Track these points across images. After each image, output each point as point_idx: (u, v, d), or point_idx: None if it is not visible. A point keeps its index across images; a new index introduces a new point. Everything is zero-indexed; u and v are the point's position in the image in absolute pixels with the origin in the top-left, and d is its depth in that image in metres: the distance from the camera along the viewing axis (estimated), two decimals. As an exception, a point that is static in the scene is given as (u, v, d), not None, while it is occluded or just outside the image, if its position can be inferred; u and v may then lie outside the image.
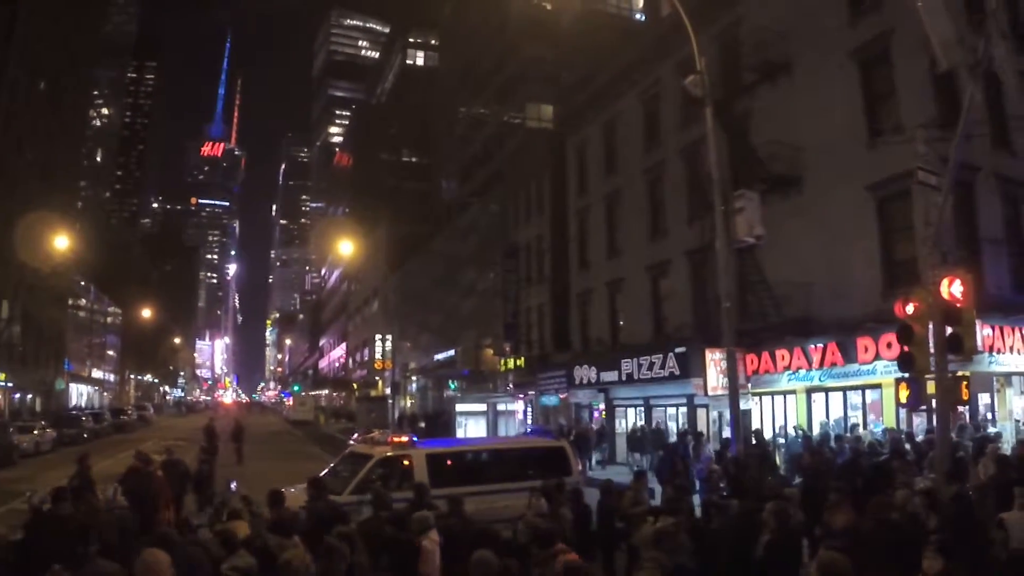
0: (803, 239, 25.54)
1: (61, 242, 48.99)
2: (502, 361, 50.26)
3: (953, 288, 14.77)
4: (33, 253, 49.37)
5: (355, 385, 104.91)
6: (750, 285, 28.81)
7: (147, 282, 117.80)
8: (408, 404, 74.88)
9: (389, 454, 17.55)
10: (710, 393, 28.41)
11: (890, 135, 23.09)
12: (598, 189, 41.82)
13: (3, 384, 60.18)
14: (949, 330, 14.73)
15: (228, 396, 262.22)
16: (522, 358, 48.41)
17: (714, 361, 28.08)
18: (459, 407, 53.81)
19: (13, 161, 56.71)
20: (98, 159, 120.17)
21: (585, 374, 37.89)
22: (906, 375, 15.88)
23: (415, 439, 18.83)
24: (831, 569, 6.71)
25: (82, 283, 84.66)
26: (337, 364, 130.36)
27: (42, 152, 64.37)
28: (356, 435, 45.47)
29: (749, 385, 28.54)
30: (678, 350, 30.57)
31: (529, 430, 33.83)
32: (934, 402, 15.31)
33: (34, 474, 29.47)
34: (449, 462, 18.05)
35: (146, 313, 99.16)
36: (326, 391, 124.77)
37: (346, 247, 72.60)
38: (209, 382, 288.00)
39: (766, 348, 27.80)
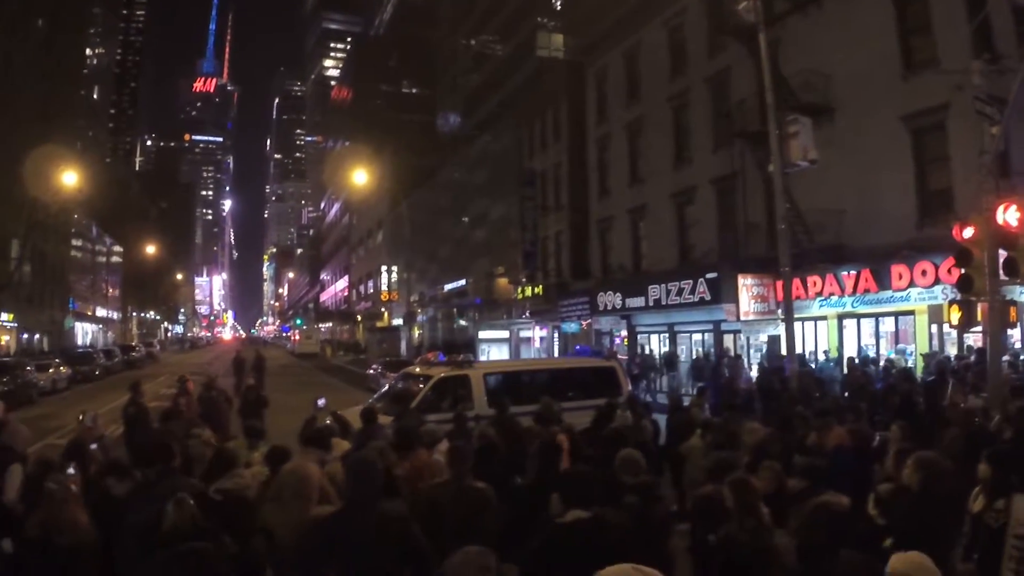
0: (835, 168, 25.47)
1: (69, 178, 48.58)
2: (519, 289, 50.40)
3: (1008, 214, 15.05)
4: (40, 190, 49.02)
5: (359, 317, 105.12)
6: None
7: (146, 219, 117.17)
8: (417, 334, 75.05)
9: (448, 374, 17.84)
10: (742, 318, 28.95)
11: (926, 67, 23.27)
12: (619, 117, 41.66)
13: (11, 324, 60.02)
14: (1003, 255, 15.00)
15: (227, 332, 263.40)
16: (540, 286, 48.51)
17: (746, 287, 28.67)
18: (482, 334, 54.13)
19: (13, 100, 56.09)
20: (95, 96, 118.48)
21: (609, 300, 38.09)
22: (958, 298, 16.23)
23: (471, 360, 19.16)
24: (930, 467, 7.01)
25: (83, 221, 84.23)
26: (340, 297, 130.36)
27: (41, 91, 63.60)
28: (375, 365, 46.20)
29: (779, 311, 28.64)
30: (709, 276, 30.67)
31: (576, 349, 33.91)
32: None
33: (56, 411, 29.40)
34: (504, 381, 18.25)
35: (149, 250, 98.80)
36: (330, 324, 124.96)
37: (348, 179, 72.10)
38: (209, 318, 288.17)
39: (797, 274, 27.65)
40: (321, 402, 14.02)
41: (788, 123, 20.61)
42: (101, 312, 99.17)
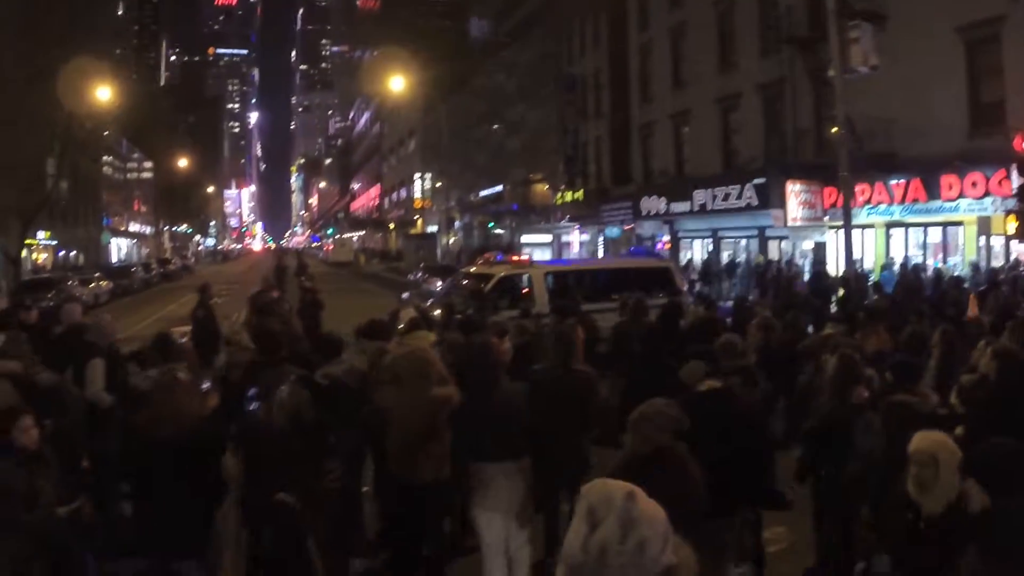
0: (886, 77, 25.06)
1: (102, 93, 48.34)
2: (558, 195, 50.28)
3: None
4: (73, 105, 48.81)
5: (392, 225, 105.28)
6: (831, 119, 28.40)
7: (174, 134, 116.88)
8: (451, 241, 75.24)
9: (510, 273, 18.20)
10: (790, 224, 29.12)
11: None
12: (662, 22, 41.10)
13: (48, 242, 60.42)
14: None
15: (257, 243, 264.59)
16: (580, 191, 48.42)
17: (794, 193, 28.77)
18: (524, 239, 54.22)
19: (42, 18, 55.47)
20: (119, 13, 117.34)
21: (653, 205, 38.11)
22: (1014, 208, 16.16)
23: (533, 259, 19.57)
24: (1006, 356, 7.51)
25: (113, 138, 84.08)
26: (371, 205, 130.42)
27: (70, 7, 62.81)
28: (416, 271, 46.69)
29: (826, 218, 28.99)
30: (756, 181, 30.60)
31: (631, 250, 34.15)
32: None
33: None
34: (566, 281, 18.62)
35: (182, 163, 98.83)
36: (362, 232, 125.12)
37: (378, 88, 71.39)
38: (239, 230, 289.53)
39: (841, 182, 27.66)
40: (405, 295, 14.54)
41: (849, 28, 20.25)
42: (134, 227, 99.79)
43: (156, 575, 6.13)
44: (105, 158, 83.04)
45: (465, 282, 19.47)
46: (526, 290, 18.05)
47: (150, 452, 5.76)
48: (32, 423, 6.30)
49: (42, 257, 59.92)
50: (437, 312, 14.12)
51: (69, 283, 39.37)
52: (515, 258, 20.16)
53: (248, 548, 4.55)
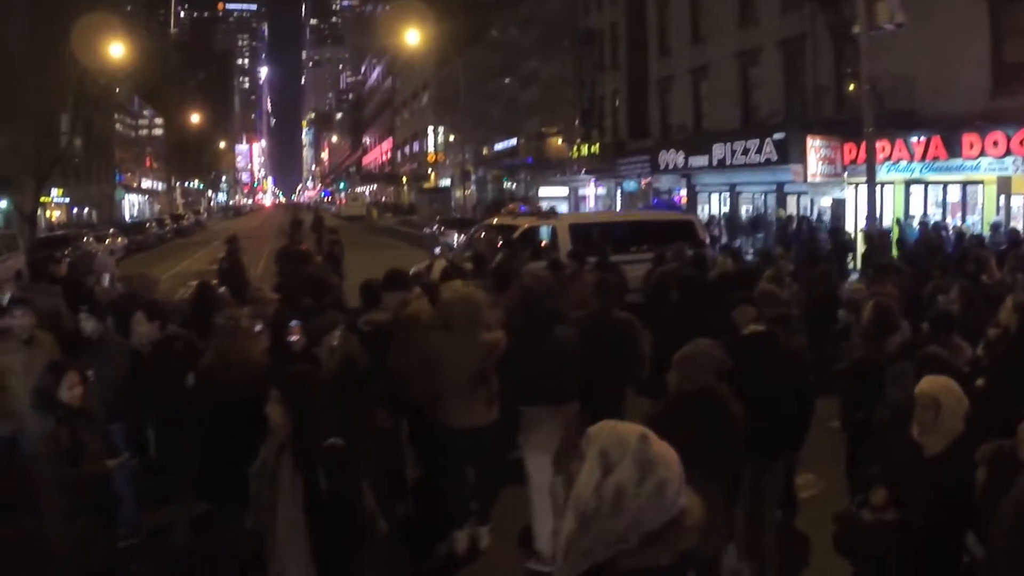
0: (909, 34, 24.69)
1: (115, 49, 48.18)
2: (575, 148, 50.13)
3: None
4: (88, 60, 48.68)
5: (404, 179, 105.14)
6: (851, 76, 28.44)
7: (185, 90, 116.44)
8: (466, 194, 75.23)
9: (535, 224, 18.50)
10: (809, 179, 29.12)
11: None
12: (680, -26, 40.63)
13: (62, 199, 60.54)
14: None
15: (268, 199, 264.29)
16: (596, 145, 48.22)
17: (814, 148, 28.64)
18: (541, 191, 54.09)
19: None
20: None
21: (671, 159, 37.77)
22: None
23: (556, 212, 19.70)
24: None
25: (123, 94, 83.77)
26: (383, 160, 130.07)
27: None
28: (433, 224, 46.76)
29: (845, 174, 28.98)
30: (776, 136, 30.33)
31: (653, 203, 34.19)
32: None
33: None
34: (590, 232, 18.61)
35: (194, 119, 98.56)
36: (374, 186, 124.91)
37: (390, 42, 70.94)
38: (251, 185, 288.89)
39: (865, 138, 27.58)
40: (436, 250, 14.67)
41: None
42: (146, 183, 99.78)
43: (215, 521, 6.30)
44: (116, 115, 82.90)
45: (489, 234, 19.55)
46: (544, 242, 18.20)
47: (218, 396, 5.88)
48: (77, 379, 6.27)
49: (55, 215, 59.96)
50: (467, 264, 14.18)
51: (84, 239, 39.41)
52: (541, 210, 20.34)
53: (304, 495, 4.58)
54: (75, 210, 65.84)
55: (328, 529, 4.58)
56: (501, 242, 17.83)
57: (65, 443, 5.96)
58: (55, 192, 56.36)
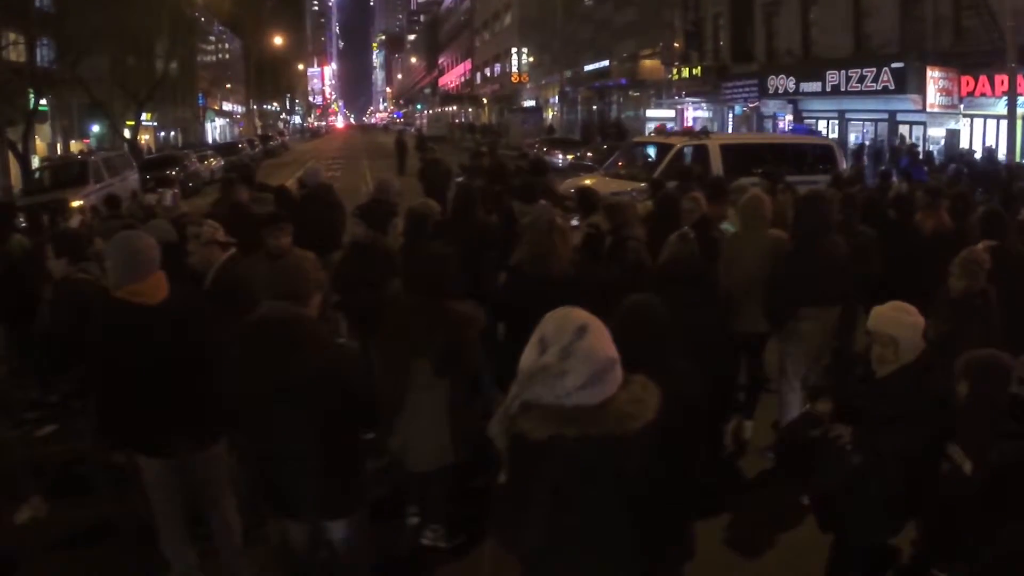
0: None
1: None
2: (674, 71, 48.97)
3: None
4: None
5: (485, 100, 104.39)
6: (970, 7, 28.04)
7: (261, 12, 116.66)
8: (551, 116, 74.35)
9: (688, 143, 19.19)
10: (928, 110, 29.41)
11: None
12: None
13: (150, 123, 61.29)
14: None
15: (340, 121, 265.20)
16: (698, 67, 47.22)
17: (933, 79, 28.83)
18: (650, 113, 53.38)
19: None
20: None
21: (780, 84, 37.47)
22: None
23: (708, 131, 20.41)
24: None
25: (203, 19, 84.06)
26: (461, 81, 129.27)
27: None
28: (534, 145, 46.34)
29: (962, 106, 29.15)
30: (894, 65, 30.08)
31: (794, 127, 34.14)
32: None
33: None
34: (739, 153, 19.32)
35: (277, 41, 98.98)
36: (453, 107, 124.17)
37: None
38: (323, 108, 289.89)
39: (984, 72, 27.38)
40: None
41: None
42: (227, 106, 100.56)
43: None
44: (200, 38, 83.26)
45: (640, 149, 20.68)
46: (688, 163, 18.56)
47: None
48: None
49: (144, 138, 60.63)
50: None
51: (186, 161, 40.03)
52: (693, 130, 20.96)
53: None
54: (161, 134, 66.58)
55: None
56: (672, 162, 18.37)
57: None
58: (144, 116, 56.93)
